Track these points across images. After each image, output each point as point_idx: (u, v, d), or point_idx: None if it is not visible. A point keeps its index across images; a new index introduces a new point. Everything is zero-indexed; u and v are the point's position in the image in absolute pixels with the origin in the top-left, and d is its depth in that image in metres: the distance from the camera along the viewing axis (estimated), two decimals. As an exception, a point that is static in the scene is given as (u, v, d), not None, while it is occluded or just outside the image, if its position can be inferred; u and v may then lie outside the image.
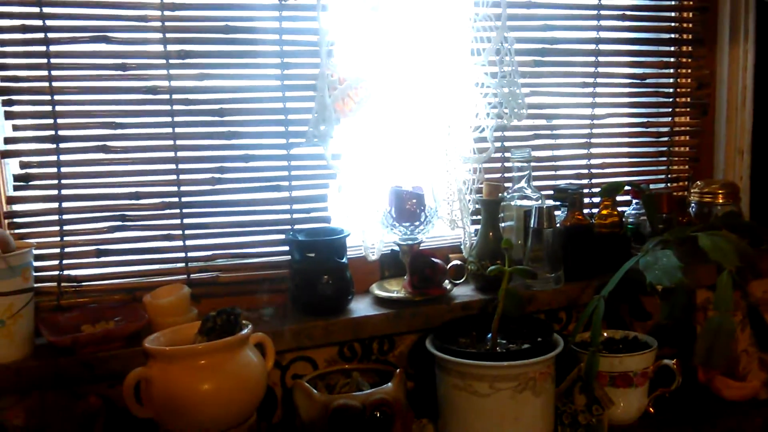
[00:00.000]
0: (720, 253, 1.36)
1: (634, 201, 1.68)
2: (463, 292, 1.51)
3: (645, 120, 1.76)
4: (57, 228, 1.34)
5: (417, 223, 1.47)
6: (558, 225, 1.53)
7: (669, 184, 1.80)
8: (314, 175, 1.49)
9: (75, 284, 1.35)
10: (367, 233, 1.52)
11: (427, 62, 1.51)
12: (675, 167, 1.81)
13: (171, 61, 1.35)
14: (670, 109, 1.77)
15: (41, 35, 1.28)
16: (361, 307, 1.45)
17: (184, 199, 1.40)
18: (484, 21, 1.51)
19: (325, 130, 1.38)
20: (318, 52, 1.38)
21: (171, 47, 1.35)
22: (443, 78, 1.53)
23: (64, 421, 1.22)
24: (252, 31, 1.40)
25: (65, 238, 1.35)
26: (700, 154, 1.82)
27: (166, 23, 1.34)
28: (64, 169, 1.33)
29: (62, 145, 1.32)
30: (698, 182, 1.71)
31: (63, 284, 1.35)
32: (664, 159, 1.79)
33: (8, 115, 1.29)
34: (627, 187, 1.66)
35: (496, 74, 1.51)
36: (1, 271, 1.18)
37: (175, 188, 1.40)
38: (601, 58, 1.68)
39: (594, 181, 1.73)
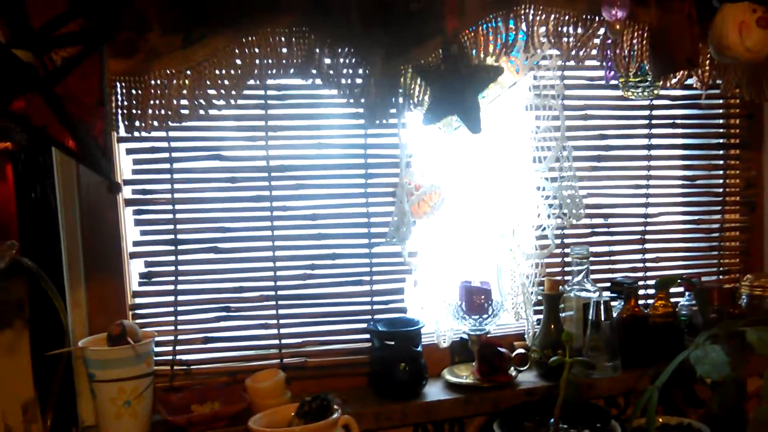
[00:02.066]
0: (766, 348, 1.47)
1: (687, 293, 1.80)
2: (526, 378, 1.65)
3: (697, 217, 1.90)
4: (172, 318, 1.56)
5: (485, 316, 1.63)
6: (615, 316, 1.66)
7: (721, 277, 1.92)
8: (392, 271, 1.67)
9: (185, 368, 1.56)
10: (439, 323, 1.69)
11: (494, 169, 1.70)
12: (726, 261, 1.92)
13: (272, 173, 1.57)
14: (720, 207, 1.90)
15: (166, 155, 1.52)
16: (434, 391, 1.60)
17: (279, 293, 1.60)
18: (544, 132, 1.69)
19: (403, 232, 1.56)
20: (397, 163, 1.58)
21: (272, 162, 1.57)
22: (508, 183, 1.71)
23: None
24: (340, 146, 1.61)
25: (178, 327, 1.56)
26: (750, 249, 1.93)
27: (269, 142, 1.56)
28: (180, 267, 1.55)
29: (180, 247, 1.54)
30: (749, 276, 1.82)
31: (175, 368, 1.55)
32: (716, 253, 1.91)
33: (137, 222, 1.52)
34: (680, 281, 1.78)
35: (556, 179, 1.68)
36: (130, 358, 1.39)
37: (272, 283, 1.60)
38: (653, 162, 1.84)
39: (648, 274, 1.86)
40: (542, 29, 1.44)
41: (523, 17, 1.43)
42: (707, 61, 1.54)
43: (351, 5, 1.34)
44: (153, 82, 1.27)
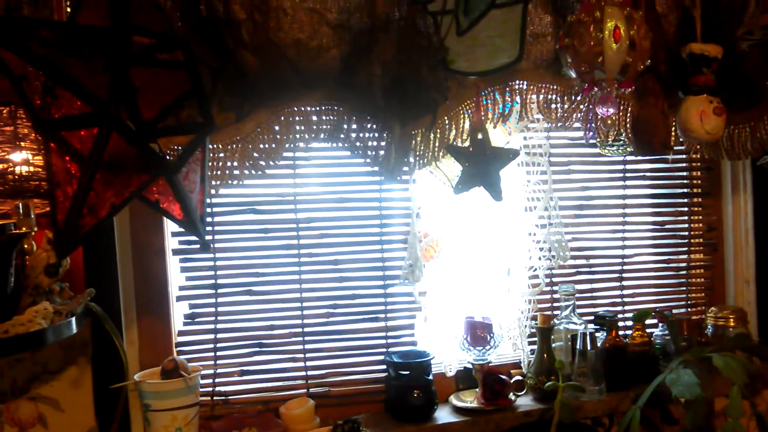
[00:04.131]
0: (731, 371, 1.71)
1: (660, 324, 2.04)
2: (523, 402, 1.87)
3: (666, 257, 2.15)
4: (212, 354, 1.75)
5: (487, 347, 1.85)
6: (599, 346, 1.89)
7: (689, 309, 2.16)
8: (405, 308, 1.89)
9: (224, 398, 1.75)
10: (445, 354, 1.90)
11: (491, 218, 1.94)
12: (693, 295, 2.17)
13: (300, 225, 1.79)
14: (686, 248, 2.16)
15: (208, 210, 1.73)
16: (443, 415, 1.81)
17: (305, 329, 1.81)
18: (534, 185, 1.94)
19: (416, 275, 1.79)
20: (409, 214, 1.81)
21: (300, 215, 1.79)
22: (504, 230, 1.95)
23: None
24: (358, 200, 1.84)
25: (218, 362, 1.75)
26: (713, 285, 2.19)
27: (297, 197, 1.78)
28: (219, 309, 1.75)
29: (219, 291, 1.75)
30: (713, 308, 2.06)
31: (215, 398, 1.74)
32: (684, 289, 2.17)
33: (182, 269, 1.73)
34: (654, 314, 2.03)
35: (545, 225, 1.93)
36: (182, 389, 1.58)
37: (299, 321, 1.81)
38: (627, 210, 2.09)
39: (627, 308, 2.10)
40: (533, 103, 1.69)
41: (517, 91, 1.68)
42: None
43: (372, 83, 1.58)
44: (212, 153, 1.49)
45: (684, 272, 2.17)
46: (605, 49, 1.29)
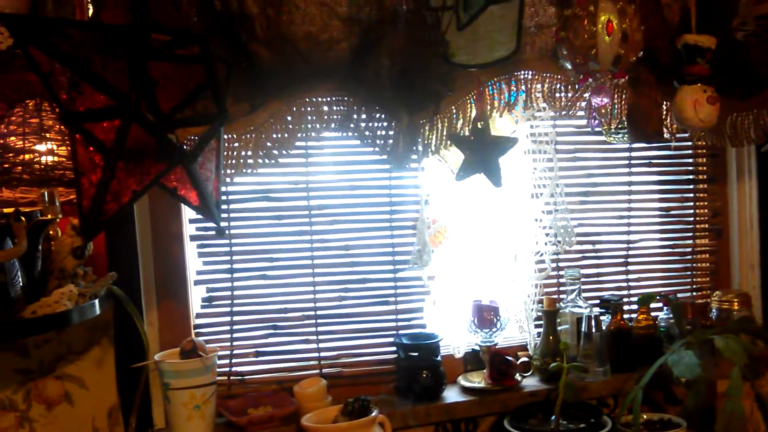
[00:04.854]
0: (731, 353, 1.76)
1: (665, 308, 2.08)
2: (530, 383, 1.93)
3: (672, 242, 2.19)
4: (228, 336, 1.83)
5: (494, 329, 1.91)
6: (604, 329, 1.94)
7: (694, 294, 2.20)
8: (414, 292, 1.95)
9: (240, 377, 1.82)
10: (454, 336, 1.96)
11: (498, 205, 1.99)
12: (698, 279, 2.21)
13: (312, 212, 1.85)
14: (692, 234, 2.20)
15: (224, 197, 1.79)
16: (451, 395, 1.87)
17: (318, 312, 1.88)
18: (540, 172, 1.99)
19: (424, 260, 1.85)
20: (418, 201, 1.87)
21: (312, 202, 1.85)
22: (511, 216, 2.01)
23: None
24: (369, 188, 1.90)
25: (234, 343, 1.83)
26: (718, 269, 2.23)
27: (309, 185, 1.85)
28: (235, 292, 1.82)
29: (235, 275, 1.82)
30: (718, 292, 2.10)
31: (232, 378, 1.82)
32: (689, 273, 2.21)
33: (200, 255, 1.80)
34: (658, 297, 2.07)
35: (551, 211, 1.98)
36: (200, 369, 1.65)
37: (312, 304, 1.87)
38: (633, 196, 2.13)
39: (632, 292, 2.15)
40: (539, 92, 1.73)
41: (522, 81, 1.73)
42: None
43: (381, 74, 1.63)
44: (227, 143, 1.55)
45: (689, 257, 2.21)
46: (598, 42, 1.34)
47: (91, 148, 1.07)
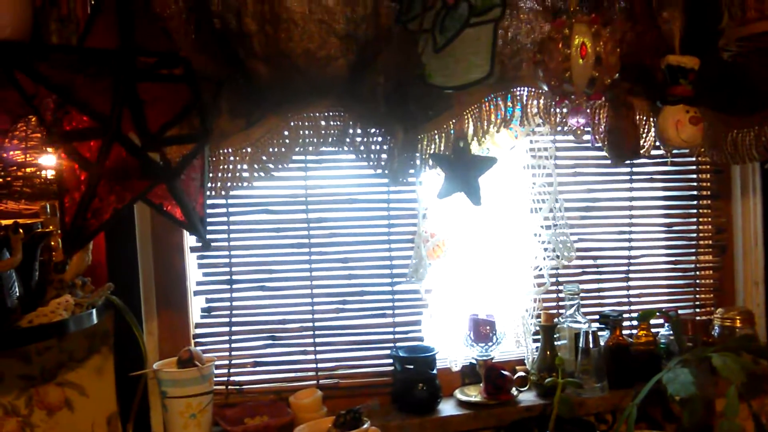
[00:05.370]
0: (728, 371, 1.74)
1: (666, 324, 2.07)
2: (526, 397, 1.93)
3: (674, 258, 2.18)
4: (227, 346, 1.86)
5: (490, 344, 1.92)
6: (602, 344, 1.94)
7: (697, 310, 2.19)
8: (411, 305, 1.97)
9: (238, 387, 1.85)
10: (451, 349, 1.97)
11: (497, 219, 2.00)
12: (701, 296, 2.20)
13: (311, 224, 1.88)
14: (695, 250, 2.19)
15: (224, 210, 1.83)
16: (447, 408, 1.88)
17: (316, 324, 1.90)
18: (539, 187, 2.00)
19: (421, 273, 1.86)
20: (416, 215, 1.89)
21: (311, 215, 1.88)
22: (509, 230, 2.01)
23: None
24: (367, 201, 1.92)
25: (233, 353, 1.86)
26: (722, 286, 2.21)
27: (308, 198, 1.88)
28: (234, 303, 1.85)
29: (234, 286, 1.85)
30: (720, 309, 2.09)
31: (230, 387, 1.85)
32: (692, 290, 2.19)
33: (200, 266, 1.84)
34: (658, 314, 2.06)
35: (550, 226, 1.98)
36: (197, 378, 1.68)
37: (310, 316, 1.90)
38: (634, 212, 2.13)
39: (633, 308, 2.14)
40: (534, 108, 1.74)
41: (518, 97, 1.74)
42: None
43: (377, 91, 1.65)
44: (222, 157, 1.59)
45: (692, 273, 2.19)
46: (572, 65, 1.35)
47: (77, 166, 1.10)
